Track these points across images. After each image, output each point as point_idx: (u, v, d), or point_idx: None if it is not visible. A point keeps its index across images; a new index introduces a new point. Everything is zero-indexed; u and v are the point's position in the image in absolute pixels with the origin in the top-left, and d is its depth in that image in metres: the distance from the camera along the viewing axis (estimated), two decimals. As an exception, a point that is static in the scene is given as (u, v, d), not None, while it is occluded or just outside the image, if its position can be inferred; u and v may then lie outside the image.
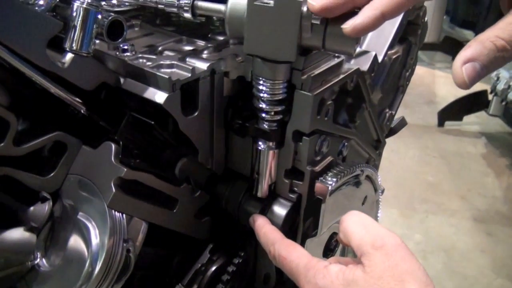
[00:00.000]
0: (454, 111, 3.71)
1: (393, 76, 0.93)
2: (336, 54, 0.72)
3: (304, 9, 0.57)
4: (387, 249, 0.53)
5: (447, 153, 3.37)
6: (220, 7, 0.63)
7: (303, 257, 0.61)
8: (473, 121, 3.78)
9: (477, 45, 0.47)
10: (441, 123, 3.74)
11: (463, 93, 3.67)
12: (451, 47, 4.85)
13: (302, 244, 0.77)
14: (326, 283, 0.55)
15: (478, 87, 3.75)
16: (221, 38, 0.77)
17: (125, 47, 0.67)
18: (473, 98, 3.65)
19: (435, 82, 4.58)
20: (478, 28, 5.03)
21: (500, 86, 3.25)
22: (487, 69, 0.48)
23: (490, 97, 3.55)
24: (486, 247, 2.48)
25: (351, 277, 0.54)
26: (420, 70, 4.66)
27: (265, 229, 0.70)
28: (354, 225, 0.58)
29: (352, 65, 0.74)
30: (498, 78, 3.32)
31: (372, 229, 0.56)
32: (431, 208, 2.75)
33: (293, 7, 0.57)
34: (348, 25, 0.52)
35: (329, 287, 0.55)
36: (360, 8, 0.53)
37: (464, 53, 0.48)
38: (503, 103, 3.32)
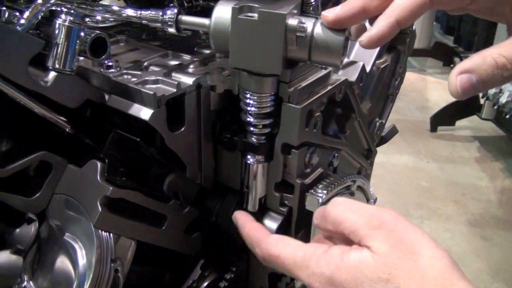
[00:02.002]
0: (446, 116, 3.73)
1: (382, 85, 0.93)
2: (323, 66, 0.72)
3: (289, 21, 0.57)
4: (386, 226, 0.50)
5: (441, 158, 3.38)
6: (204, 21, 0.62)
7: (297, 249, 0.56)
8: (465, 125, 3.80)
9: (478, 59, 0.48)
10: (433, 128, 3.75)
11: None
12: (442, 53, 4.89)
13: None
14: (332, 269, 0.51)
15: (469, 91, 3.80)
16: (207, 51, 0.76)
17: (110, 63, 0.66)
18: (465, 102, 3.67)
19: (427, 88, 4.60)
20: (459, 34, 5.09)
21: (492, 90, 3.27)
22: (483, 83, 0.48)
23: (482, 101, 3.57)
24: (482, 251, 2.47)
25: (359, 258, 0.50)
26: (411, 76, 4.68)
27: (247, 228, 0.66)
28: (343, 212, 0.54)
29: (340, 76, 0.74)
30: (489, 82, 3.33)
31: (363, 211, 0.53)
32: (426, 214, 2.75)
33: (278, 20, 0.56)
34: (364, 37, 0.53)
35: (336, 273, 0.50)
36: (373, 19, 0.53)
37: (463, 64, 0.48)
38: (495, 107, 3.33)
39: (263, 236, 0.62)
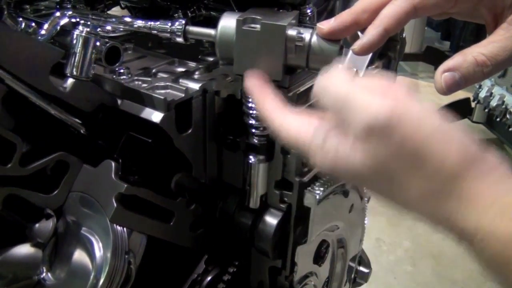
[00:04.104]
0: (438, 119, 3.77)
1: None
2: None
3: (288, 32, 0.62)
4: (380, 132, 0.42)
5: (433, 161, 3.42)
6: (210, 31, 0.67)
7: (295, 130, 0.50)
8: (457, 128, 3.84)
9: (460, 57, 0.53)
10: (426, 132, 3.79)
11: (446, 101, 3.74)
12: (433, 57, 4.95)
13: (293, 251, 0.81)
14: (330, 162, 0.46)
15: (461, 94, 3.84)
16: (211, 58, 0.81)
17: (121, 70, 0.71)
18: (456, 105, 3.72)
19: (419, 92, 4.65)
20: (453, 39, 5.15)
21: (483, 94, 3.32)
22: (466, 80, 0.53)
23: (473, 104, 3.62)
24: (474, 251, 2.52)
25: (353, 161, 0.44)
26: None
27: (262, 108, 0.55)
28: (332, 100, 0.46)
29: (335, 81, 0.79)
30: (480, 86, 3.38)
31: (357, 105, 0.44)
32: (418, 215, 2.80)
33: (278, 31, 0.62)
34: (356, 45, 0.57)
35: (338, 167, 0.46)
36: (363, 29, 0.57)
37: (447, 63, 0.53)
38: (486, 110, 3.39)
39: (274, 110, 0.53)
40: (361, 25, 0.59)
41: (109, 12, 1.02)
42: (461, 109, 3.72)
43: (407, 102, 0.44)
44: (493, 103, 3.25)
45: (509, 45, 0.52)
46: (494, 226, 0.40)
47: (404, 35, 1.01)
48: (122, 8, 1.06)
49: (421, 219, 0.45)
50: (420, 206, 0.44)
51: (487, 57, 0.52)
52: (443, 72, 0.53)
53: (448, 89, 0.54)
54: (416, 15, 0.56)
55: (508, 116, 3.15)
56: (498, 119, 3.25)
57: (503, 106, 3.18)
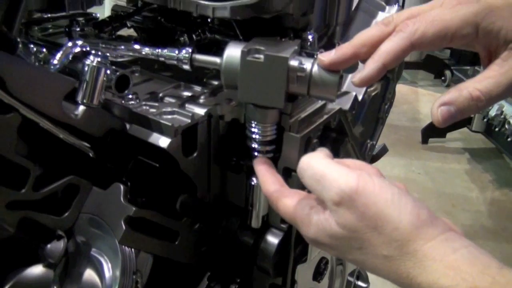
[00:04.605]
0: (437, 128, 3.79)
1: (372, 110, 1.01)
2: (320, 100, 0.80)
3: (291, 63, 0.65)
4: (347, 202, 0.51)
5: (432, 170, 3.46)
6: (216, 60, 0.70)
7: (292, 209, 0.60)
8: (456, 137, 3.87)
9: (455, 92, 0.56)
10: (425, 140, 3.82)
11: (445, 110, 3.77)
12: (433, 65, 4.97)
13: (293, 270, 0.84)
14: (313, 233, 0.56)
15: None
16: (215, 82, 0.84)
17: (130, 95, 0.74)
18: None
19: (418, 100, 4.69)
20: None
21: (481, 104, 3.35)
22: (461, 113, 0.56)
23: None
24: (472, 261, 2.54)
25: (329, 230, 0.53)
26: (403, 88, 4.77)
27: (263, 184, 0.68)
28: (309, 181, 0.56)
29: (335, 105, 0.82)
30: (479, 96, 3.41)
31: (326, 183, 0.53)
32: (417, 225, 2.82)
33: (281, 62, 0.65)
34: (356, 78, 0.60)
35: (318, 237, 0.55)
36: (363, 61, 0.61)
37: (443, 97, 0.57)
38: (485, 120, 3.42)
39: (273, 192, 0.65)
40: (360, 58, 0.62)
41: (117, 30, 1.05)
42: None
43: (370, 175, 0.52)
44: (492, 113, 3.28)
45: (503, 81, 0.55)
46: (441, 284, 0.46)
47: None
48: (129, 28, 1.08)
49: (389, 280, 0.51)
50: (385, 268, 0.50)
51: (481, 93, 0.55)
52: (440, 106, 0.56)
53: (444, 122, 0.57)
54: (413, 50, 0.59)
55: (506, 126, 3.18)
56: (497, 129, 3.28)
57: (502, 116, 3.21)
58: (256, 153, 0.75)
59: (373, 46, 0.60)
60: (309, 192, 0.59)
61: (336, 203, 0.51)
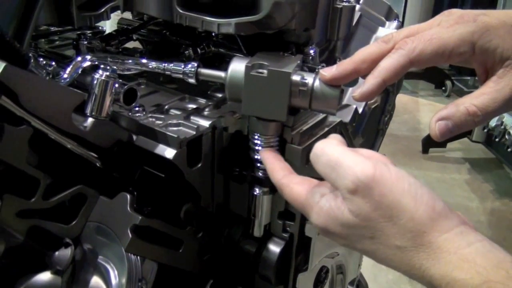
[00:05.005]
0: (438, 138, 3.82)
1: (373, 121, 1.04)
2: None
3: (293, 78, 0.67)
4: (363, 191, 0.50)
5: (432, 180, 3.47)
6: (220, 74, 0.73)
7: (300, 195, 0.60)
8: (456, 147, 3.89)
9: (453, 107, 0.59)
10: (425, 150, 3.84)
11: (446, 120, 3.80)
12: (434, 75, 5.00)
13: (295, 278, 0.85)
14: (322, 221, 0.55)
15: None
16: (219, 95, 0.86)
17: (136, 107, 0.76)
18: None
19: (419, 110, 4.71)
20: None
21: (482, 114, 3.36)
22: (458, 128, 0.59)
23: (472, 124, 3.66)
24: (472, 271, 2.55)
25: (341, 219, 0.53)
26: (404, 98, 4.79)
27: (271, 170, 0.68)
28: (323, 167, 0.55)
29: (335, 117, 0.84)
30: (479, 106, 3.43)
31: (341, 170, 0.52)
32: (418, 234, 2.83)
33: (284, 77, 0.67)
34: (357, 93, 0.63)
35: (328, 225, 0.55)
36: (363, 77, 0.63)
37: (441, 112, 0.59)
38: (485, 130, 3.44)
39: (282, 178, 0.65)
40: (361, 74, 0.64)
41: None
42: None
43: (386, 164, 0.52)
44: (492, 123, 3.30)
45: (499, 97, 0.58)
46: (454, 276, 0.46)
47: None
48: (134, 41, 1.11)
49: (399, 271, 0.51)
50: (397, 258, 0.50)
51: (478, 108, 0.58)
52: (437, 121, 0.59)
53: (442, 136, 0.59)
54: (412, 67, 0.62)
55: (507, 136, 3.20)
56: (497, 139, 3.30)
57: (502, 127, 3.23)
58: (258, 164, 0.77)
59: (373, 62, 0.62)
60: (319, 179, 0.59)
61: (351, 191, 0.51)
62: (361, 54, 0.64)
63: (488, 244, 0.47)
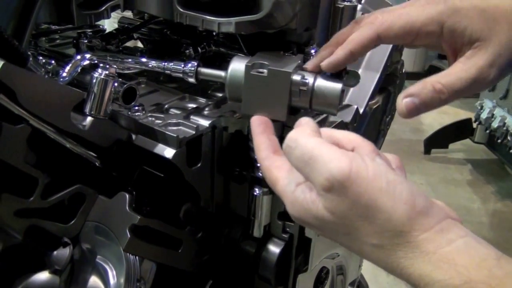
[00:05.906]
0: (440, 139, 3.83)
1: (374, 122, 1.03)
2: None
3: (293, 77, 0.67)
4: (338, 190, 0.47)
5: (434, 180, 3.47)
6: (220, 73, 0.72)
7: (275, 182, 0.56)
8: (458, 148, 3.89)
9: (420, 85, 0.59)
10: (427, 151, 3.84)
11: (448, 121, 3.80)
12: (436, 76, 4.98)
13: (294, 279, 0.85)
14: (298, 211, 0.52)
15: (462, 115, 3.87)
16: (219, 94, 0.86)
17: (136, 107, 0.75)
18: (458, 126, 3.78)
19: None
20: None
21: (484, 115, 3.36)
22: (425, 105, 0.59)
23: (474, 125, 3.67)
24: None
25: (316, 213, 0.50)
26: (406, 99, 4.77)
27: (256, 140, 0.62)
28: (297, 161, 0.51)
29: (336, 117, 0.84)
30: (481, 107, 3.43)
31: (315, 165, 0.48)
32: (419, 235, 2.82)
33: (284, 76, 0.66)
34: (325, 63, 0.65)
35: (303, 216, 0.52)
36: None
37: (408, 89, 0.60)
38: (487, 131, 3.43)
39: (264, 159, 0.59)
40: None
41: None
42: (462, 130, 3.77)
43: (363, 158, 0.48)
44: (495, 124, 3.29)
45: (465, 77, 0.58)
46: (433, 277, 0.44)
47: (404, 70, 1.06)
48: (135, 40, 1.11)
49: (378, 266, 0.49)
50: (375, 255, 0.48)
51: (444, 86, 0.58)
52: (404, 98, 0.60)
53: (409, 113, 0.60)
54: (380, 42, 0.63)
55: (509, 137, 3.19)
56: (499, 141, 3.29)
57: (504, 128, 3.22)
58: (258, 164, 0.77)
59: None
60: None
61: (326, 189, 0.47)
62: (335, 37, 0.67)
63: (471, 240, 0.45)
